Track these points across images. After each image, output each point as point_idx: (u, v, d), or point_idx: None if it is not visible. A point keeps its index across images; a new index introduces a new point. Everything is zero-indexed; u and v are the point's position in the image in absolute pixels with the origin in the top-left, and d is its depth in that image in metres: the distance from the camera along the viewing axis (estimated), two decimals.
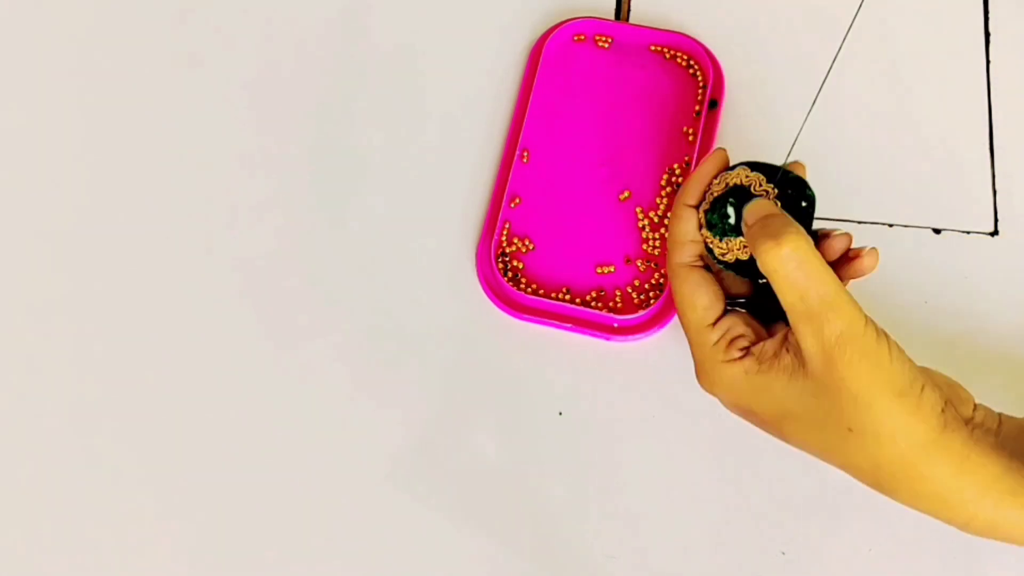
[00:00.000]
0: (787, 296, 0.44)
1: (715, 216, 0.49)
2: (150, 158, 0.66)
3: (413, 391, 0.60)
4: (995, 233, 0.61)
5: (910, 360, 0.44)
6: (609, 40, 0.66)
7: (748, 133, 0.64)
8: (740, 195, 0.48)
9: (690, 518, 0.57)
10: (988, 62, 0.65)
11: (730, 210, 0.48)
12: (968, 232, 0.61)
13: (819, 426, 0.44)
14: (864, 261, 0.48)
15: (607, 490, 0.57)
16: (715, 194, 0.49)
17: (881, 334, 0.44)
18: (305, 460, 0.59)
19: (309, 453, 0.59)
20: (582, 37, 0.66)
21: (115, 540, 0.58)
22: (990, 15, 0.66)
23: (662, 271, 0.60)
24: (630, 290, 0.60)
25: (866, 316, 0.44)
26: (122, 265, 0.63)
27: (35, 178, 0.66)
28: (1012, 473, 0.44)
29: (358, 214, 0.64)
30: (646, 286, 0.60)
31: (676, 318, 0.60)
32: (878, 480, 0.45)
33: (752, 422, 0.48)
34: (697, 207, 0.50)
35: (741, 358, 0.47)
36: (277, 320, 0.62)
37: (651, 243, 0.61)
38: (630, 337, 0.59)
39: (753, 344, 0.47)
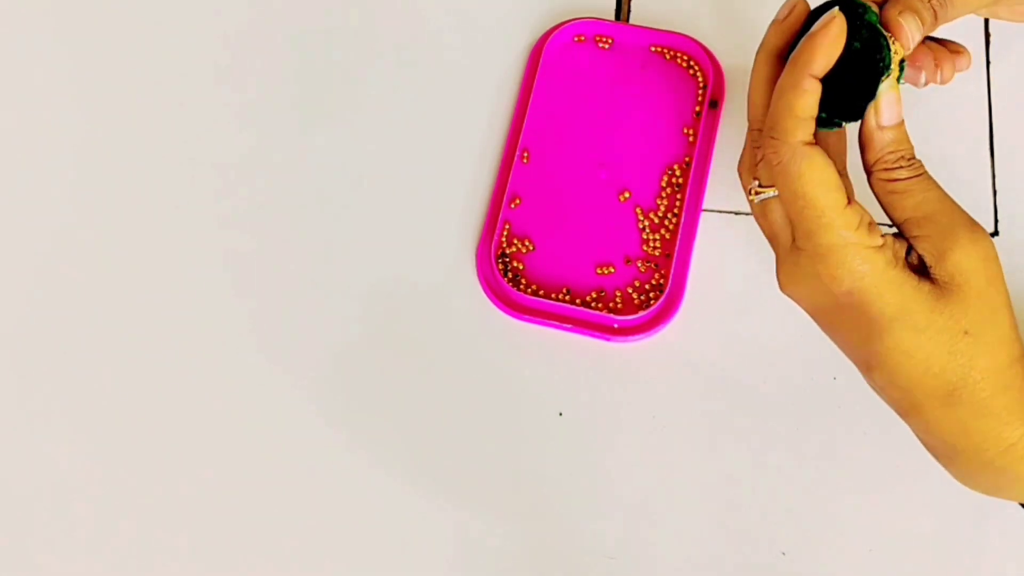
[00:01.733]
0: (921, 215, 0.45)
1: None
2: (147, 157, 0.66)
3: (413, 391, 0.60)
4: (995, 233, 0.61)
5: None
6: (609, 41, 0.66)
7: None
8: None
9: (690, 518, 0.57)
10: (988, 62, 0.65)
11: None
12: None
13: (932, 327, 0.44)
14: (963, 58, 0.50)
15: (607, 490, 0.58)
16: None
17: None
18: (304, 460, 0.59)
19: (309, 453, 0.59)
20: (582, 38, 0.66)
21: (109, 537, 0.58)
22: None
23: (662, 272, 0.60)
24: (630, 291, 0.60)
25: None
26: (111, 268, 0.63)
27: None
28: None
29: (358, 214, 0.64)
30: (646, 286, 0.60)
31: (673, 319, 0.60)
32: (961, 387, 0.44)
33: (842, 325, 0.47)
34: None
35: (883, 247, 0.45)
36: (277, 320, 0.62)
37: (651, 243, 0.61)
38: (630, 338, 0.59)
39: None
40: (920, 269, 0.45)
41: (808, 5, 0.47)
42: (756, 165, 0.48)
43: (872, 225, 0.45)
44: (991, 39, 0.65)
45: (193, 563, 0.58)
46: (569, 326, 0.59)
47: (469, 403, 0.59)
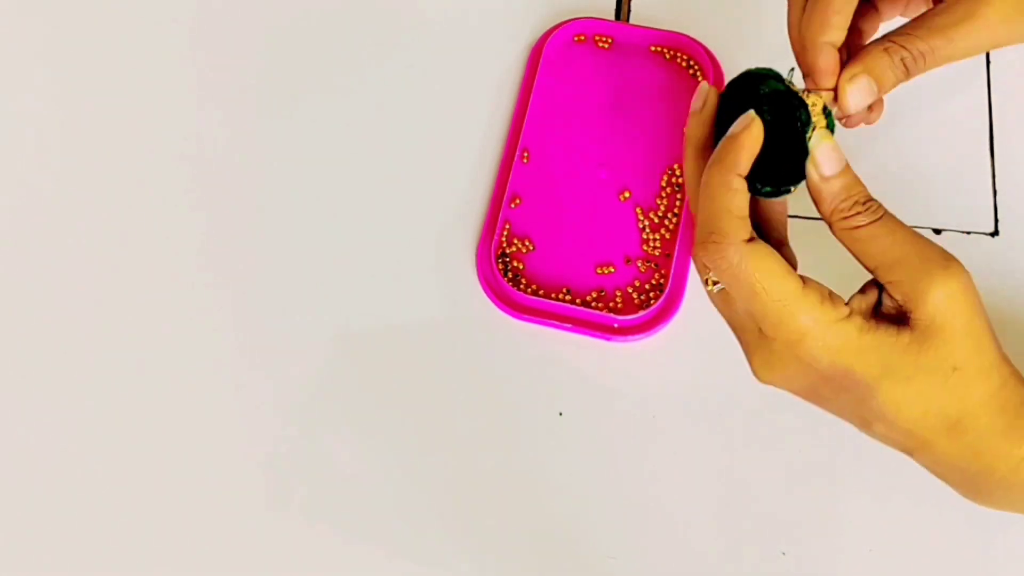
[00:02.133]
0: (891, 260, 0.44)
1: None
2: (148, 158, 0.66)
3: (413, 391, 0.60)
4: (995, 233, 0.61)
5: None
6: (609, 40, 0.66)
7: None
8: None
9: (690, 518, 0.57)
10: (988, 62, 0.65)
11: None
12: (968, 232, 0.61)
13: (921, 373, 0.44)
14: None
15: (607, 490, 0.58)
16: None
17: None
18: (303, 460, 0.59)
19: (308, 453, 0.59)
20: (582, 37, 0.66)
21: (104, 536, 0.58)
22: None
23: (662, 271, 0.60)
24: (630, 290, 0.60)
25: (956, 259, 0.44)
26: (98, 266, 0.63)
27: None
28: None
29: (358, 214, 0.64)
30: (646, 286, 0.60)
31: (673, 319, 0.60)
32: (962, 419, 0.44)
33: (832, 394, 0.46)
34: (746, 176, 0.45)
35: (850, 315, 0.44)
36: (276, 320, 0.62)
37: (651, 243, 0.61)
38: (630, 337, 0.59)
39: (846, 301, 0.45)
40: (898, 317, 0.44)
41: (716, 94, 0.47)
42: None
43: (833, 296, 0.45)
44: None
45: (190, 563, 0.58)
46: (569, 326, 0.59)
47: (469, 403, 0.59)
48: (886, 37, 0.48)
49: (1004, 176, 0.63)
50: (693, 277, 0.60)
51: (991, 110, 0.64)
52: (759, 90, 0.45)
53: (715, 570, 0.56)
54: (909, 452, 0.46)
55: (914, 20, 0.48)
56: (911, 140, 0.64)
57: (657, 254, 0.61)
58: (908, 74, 0.48)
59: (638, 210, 0.62)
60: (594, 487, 0.58)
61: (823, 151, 0.45)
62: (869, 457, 0.57)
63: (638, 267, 0.61)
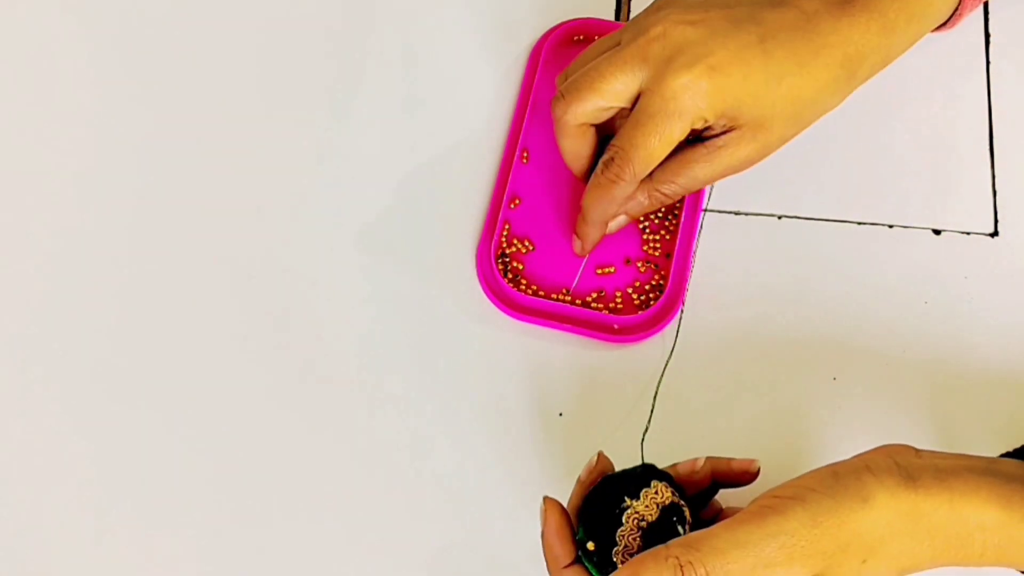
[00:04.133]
0: None
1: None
2: (151, 160, 0.66)
3: (412, 392, 0.60)
4: (995, 234, 0.61)
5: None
6: None
7: None
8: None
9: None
10: (988, 62, 0.65)
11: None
12: (968, 232, 0.61)
13: None
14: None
15: None
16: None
17: None
18: (303, 459, 0.59)
19: (307, 453, 0.59)
20: (582, 38, 0.66)
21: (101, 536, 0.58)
22: (990, 16, 0.66)
23: (662, 272, 0.60)
24: (630, 291, 0.60)
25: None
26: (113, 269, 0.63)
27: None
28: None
29: (358, 214, 0.64)
30: (646, 287, 0.60)
31: (673, 319, 0.60)
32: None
33: None
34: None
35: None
36: (275, 320, 0.62)
37: (651, 244, 0.61)
38: (630, 338, 0.59)
39: None
40: None
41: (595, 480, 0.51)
42: None
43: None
44: (991, 39, 0.65)
45: (196, 561, 0.58)
46: (569, 326, 0.59)
47: (469, 403, 0.59)
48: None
49: (1004, 176, 0.63)
50: (693, 277, 0.60)
51: (991, 110, 0.64)
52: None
53: None
54: None
55: (676, 157, 0.56)
56: (911, 140, 0.64)
57: (657, 255, 0.61)
58: (669, 199, 0.59)
59: None
60: None
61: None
62: None
63: (638, 268, 0.61)
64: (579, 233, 0.59)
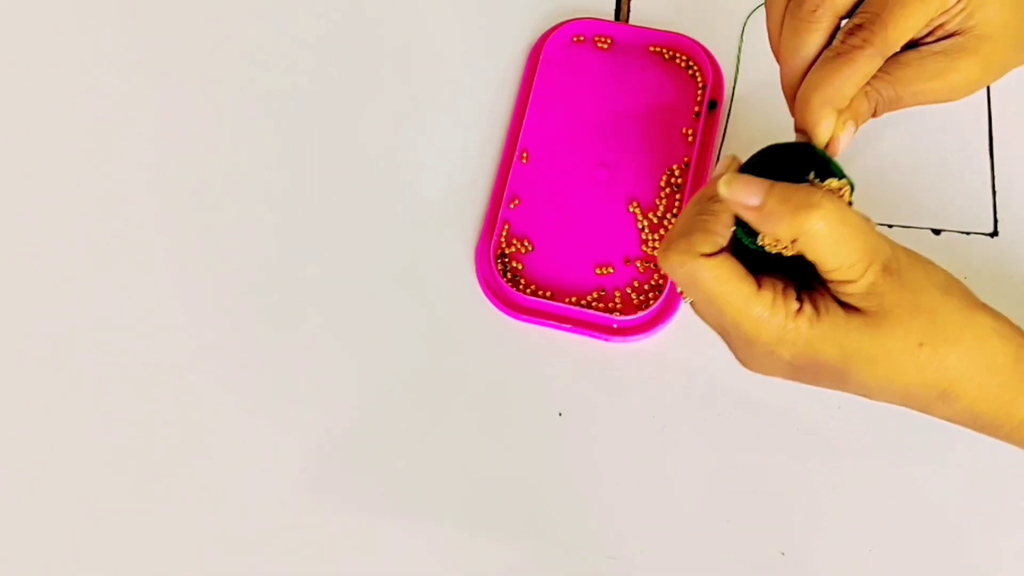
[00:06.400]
0: (828, 260, 0.44)
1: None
2: (152, 164, 0.66)
3: (412, 392, 0.60)
4: (995, 233, 0.62)
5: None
6: (609, 41, 0.66)
7: (752, 133, 0.64)
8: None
9: (690, 518, 0.57)
10: None
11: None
12: (968, 232, 0.61)
13: (886, 354, 0.45)
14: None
15: (607, 490, 0.58)
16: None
17: (909, 253, 0.45)
18: (303, 459, 0.59)
19: (307, 453, 0.59)
20: (582, 38, 0.66)
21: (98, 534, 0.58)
22: None
23: (662, 272, 0.60)
24: (630, 291, 0.60)
25: (891, 242, 0.45)
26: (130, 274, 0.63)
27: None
28: None
29: (358, 214, 0.64)
30: (646, 287, 0.60)
31: (673, 319, 0.60)
32: (948, 387, 0.45)
33: (814, 379, 0.47)
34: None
35: (801, 309, 0.45)
36: (275, 320, 0.62)
37: (651, 244, 0.61)
38: (630, 338, 0.59)
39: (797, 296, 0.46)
40: (848, 304, 0.45)
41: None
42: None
43: (786, 292, 0.45)
44: None
45: (197, 561, 0.58)
46: (569, 326, 0.59)
47: (469, 403, 0.59)
48: None
49: (1003, 176, 0.63)
50: None
51: (991, 110, 0.64)
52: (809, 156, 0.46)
53: (715, 570, 0.56)
54: (921, 412, 0.47)
55: (891, 60, 0.49)
56: (911, 140, 0.64)
57: (656, 254, 0.61)
58: (876, 115, 0.50)
59: (637, 210, 0.62)
60: (594, 487, 0.58)
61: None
62: (870, 457, 0.57)
63: (637, 267, 0.61)
64: (805, 124, 0.48)
